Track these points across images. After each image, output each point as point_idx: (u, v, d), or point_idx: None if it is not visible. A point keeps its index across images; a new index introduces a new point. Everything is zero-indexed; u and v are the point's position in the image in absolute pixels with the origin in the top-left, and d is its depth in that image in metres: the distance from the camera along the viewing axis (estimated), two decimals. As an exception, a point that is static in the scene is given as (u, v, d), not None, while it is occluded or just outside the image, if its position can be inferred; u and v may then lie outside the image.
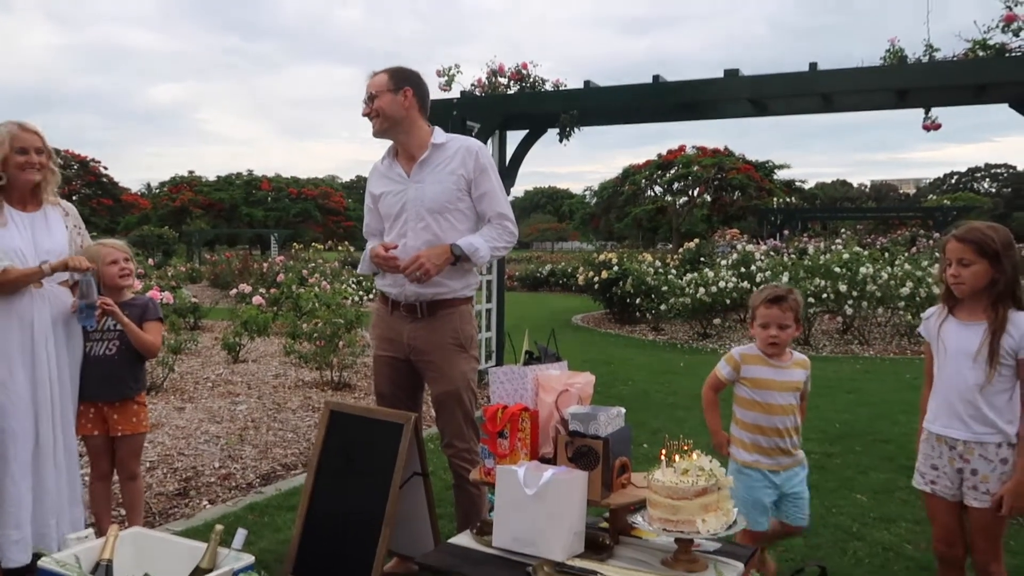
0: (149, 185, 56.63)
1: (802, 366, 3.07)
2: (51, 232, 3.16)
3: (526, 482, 2.39)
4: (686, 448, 2.39)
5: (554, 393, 2.65)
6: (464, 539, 2.57)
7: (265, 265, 17.58)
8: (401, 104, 3.06)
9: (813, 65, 5.99)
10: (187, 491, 4.33)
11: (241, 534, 2.58)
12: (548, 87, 7.06)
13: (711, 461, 2.36)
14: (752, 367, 3.01)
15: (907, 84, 5.96)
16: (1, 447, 2.97)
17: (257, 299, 10.43)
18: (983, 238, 2.52)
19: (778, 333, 2.96)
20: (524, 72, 7.09)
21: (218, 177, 51.00)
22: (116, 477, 3.44)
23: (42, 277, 3.03)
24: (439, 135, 3.15)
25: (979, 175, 67.17)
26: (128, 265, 3.36)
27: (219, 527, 2.57)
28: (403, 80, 3.08)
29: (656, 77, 6.55)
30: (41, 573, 2.38)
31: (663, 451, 2.40)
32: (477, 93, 7.16)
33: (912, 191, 70.26)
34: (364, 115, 3.12)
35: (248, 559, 2.40)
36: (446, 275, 3.07)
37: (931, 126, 6.26)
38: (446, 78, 6.96)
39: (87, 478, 3.48)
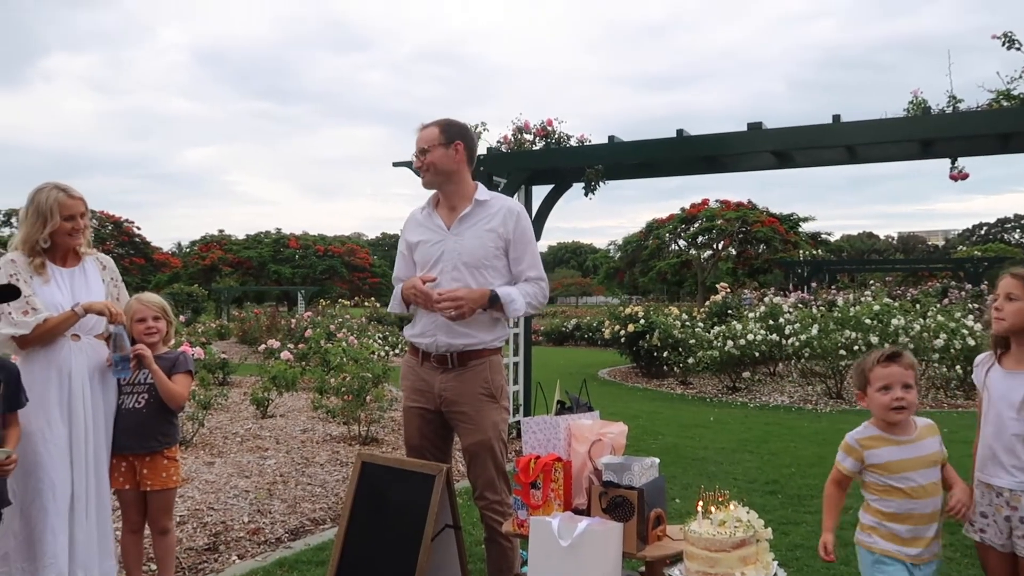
0: (180, 244, 57.80)
1: (931, 433, 2.59)
2: (89, 286, 3.25)
3: (560, 533, 2.36)
4: (723, 499, 2.36)
5: (587, 443, 2.64)
6: (497, 593, 2.54)
7: (293, 321, 17.75)
8: (452, 158, 3.15)
9: (836, 117, 6.03)
10: (216, 546, 4.31)
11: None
12: (573, 143, 7.17)
13: (748, 512, 2.32)
14: (877, 451, 2.54)
15: (931, 134, 5.97)
16: (41, 498, 3.00)
17: (285, 354, 10.51)
18: None
19: (903, 394, 2.50)
20: (549, 128, 7.22)
21: (247, 236, 52.01)
22: (148, 531, 3.44)
23: (76, 321, 3.10)
24: (483, 192, 3.23)
25: (1009, 226, 66.45)
26: (156, 324, 3.39)
27: (251, 580, 2.56)
28: (455, 134, 3.17)
29: (680, 131, 6.64)
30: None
31: (699, 502, 2.36)
32: (503, 149, 7.30)
33: (941, 242, 69.55)
34: (415, 168, 3.19)
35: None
36: (476, 327, 3.10)
37: (958, 176, 6.24)
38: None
39: (119, 532, 3.49)
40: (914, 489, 2.48)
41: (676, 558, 2.37)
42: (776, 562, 2.30)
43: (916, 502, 2.48)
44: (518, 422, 5.19)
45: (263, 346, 13.01)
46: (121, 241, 44.11)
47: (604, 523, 2.38)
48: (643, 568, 2.53)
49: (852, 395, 10.85)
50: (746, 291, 19.60)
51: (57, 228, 3.11)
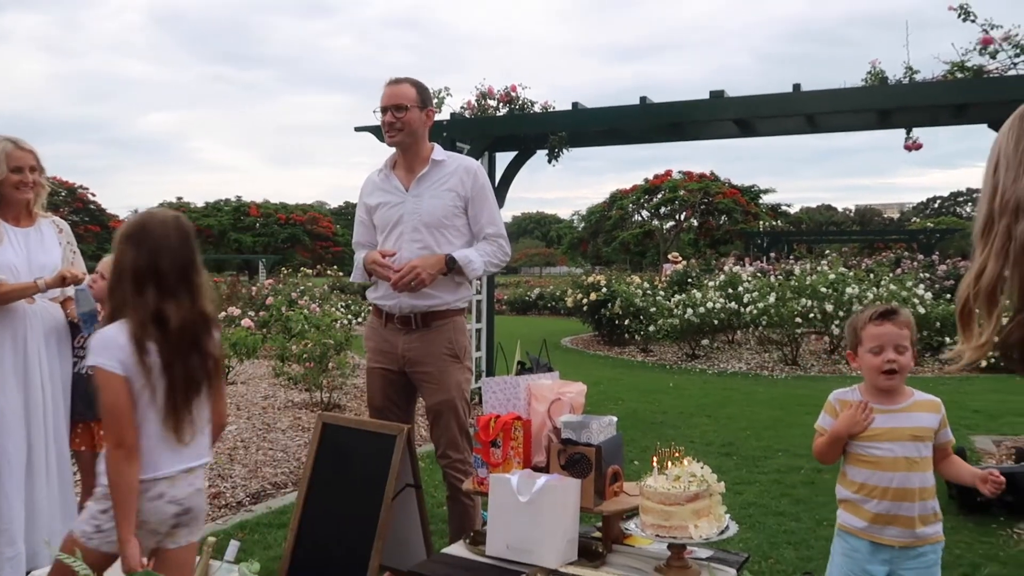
0: (137, 211, 56.41)
1: (928, 408, 2.37)
2: (45, 248, 3.18)
3: (519, 490, 2.40)
4: (677, 455, 2.42)
5: (546, 402, 2.68)
6: (457, 548, 2.58)
7: (254, 289, 17.52)
8: (423, 122, 3.17)
9: (797, 86, 6.10)
10: (176, 510, 4.30)
11: (233, 546, 2.58)
12: (537, 109, 7.15)
13: (702, 467, 2.38)
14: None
15: (889, 104, 6.09)
16: None
17: (246, 322, 10.39)
18: None
19: (896, 357, 2.31)
20: (513, 95, 7.19)
21: (206, 204, 51.04)
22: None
23: (35, 292, 3.03)
24: (439, 152, 3.22)
25: (961, 199, 68.04)
26: (100, 282, 3.25)
27: (211, 539, 2.56)
28: (427, 99, 3.20)
29: (643, 99, 6.65)
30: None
31: (655, 458, 2.42)
32: (466, 115, 7.24)
33: (896, 215, 71.01)
34: (388, 122, 3.13)
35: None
36: (439, 288, 3.10)
37: (912, 146, 6.38)
38: (436, 100, 7.03)
39: (77, 496, 3.45)
40: (881, 459, 2.32)
41: (632, 512, 2.43)
42: (728, 515, 2.37)
43: (882, 473, 2.32)
44: (480, 388, 5.23)
45: (223, 314, 12.82)
46: (75, 208, 42.93)
47: (562, 479, 2.43)
48: (600, 523, 2.60)
49: (807, 362, 11.12)
50: (669, 257, 20.43)
51: (4, 180, 3.03)
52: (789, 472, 5.15)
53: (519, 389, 2.70)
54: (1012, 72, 5.55)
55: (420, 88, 3.18)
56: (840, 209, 71.37)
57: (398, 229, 3.13)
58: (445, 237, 3.11)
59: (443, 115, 7.14)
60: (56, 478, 3.13)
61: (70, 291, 3.21)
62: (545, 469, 2.56)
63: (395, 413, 3.20)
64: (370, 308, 3.32)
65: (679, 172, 35.68)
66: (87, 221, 43.09)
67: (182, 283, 2.09)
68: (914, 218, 57.57)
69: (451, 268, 3.07)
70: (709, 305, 11.48)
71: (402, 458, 2.92)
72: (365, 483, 2.94)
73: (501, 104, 7.22)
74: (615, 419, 2.66)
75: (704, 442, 6.11)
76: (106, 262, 3.34)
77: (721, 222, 35.97)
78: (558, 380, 2.82)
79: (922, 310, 10.32)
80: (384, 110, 3.13)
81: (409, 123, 3.12)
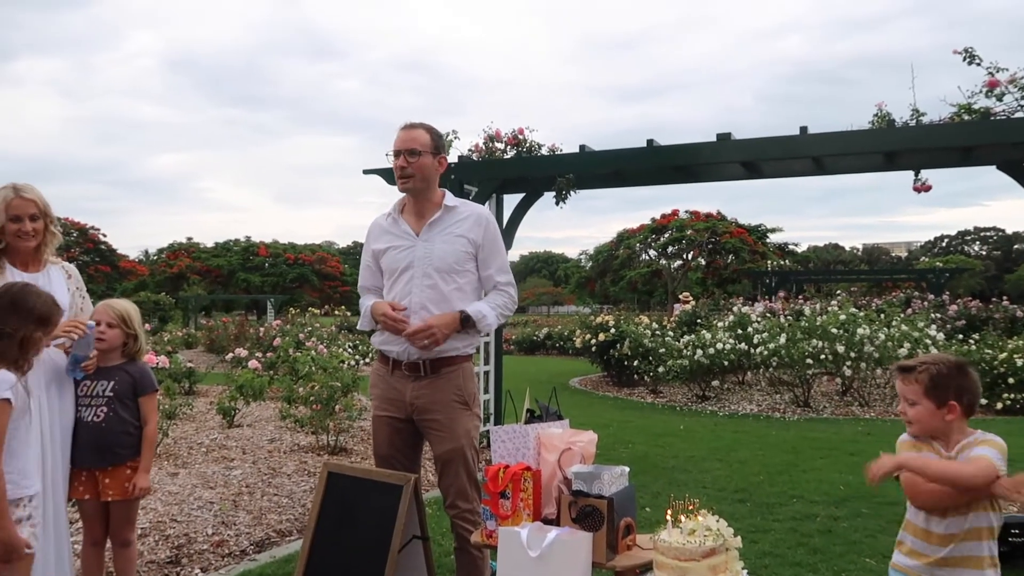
0: (147, 252, 56.92)
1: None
2: (53, 294, 3.16)
3: (529, 544, 2.34)
4: (692, 508, 2.35)
5: (557, 452, 2.62)
6: (466, 605, 2.51)
7: (262, 330, 17.53)
8: (436, 169, 3.18)
9: (804, 128, 6.11)
10: (179, 559, 4.22)
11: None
12: (544, 151, 7.18)
13: (718, 521, 2.32)
14: (904, 454, 2.45)
15: (895, 147, 6.08)
16: None
17: (253, 363, 10.37)
18: None
19: (906, 410, 2.43)
20: (520, 137, 7.22)
21: (216, 243, 51.47)
22: (109, 544, 3.35)
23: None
24: (450, 198, 3.22)
25: (969, 238, 68.00)
26: (107, 331, 3.24)
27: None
28: (441, 147, 3.20)
29: (650, 141, 6.67)
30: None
31: (669, 511, 2.36)
32: (474, 158, 7.29)
33: (904, 254, 70.98)
34: (400, 167, 3.12)
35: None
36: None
37: (922, 188, 6.36)
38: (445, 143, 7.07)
39: (79, 545, 3.39)
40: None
41: (646, 567, 2.36)
42: (745, 571, 2.30)
43: (929, 517, 2.38)
44: (488, 432, 5.19)
45: (230, 355, 12.81)
46: (86, 248, 43.30)
47: (573, 533, 2.36)
48: (613, 578, 2.52)
49: (819, 404, 10.98)
50: (680, 297, 20.66)
51: (3, 228, 3.03)
52: (805, 520, 5.03)
53: (529, 438, 2.65)
54: (1019, 114, 5.55)
55: (435, 134, 3.18)
56: (847, 248, 71.42)
57: (408, 273, 3.11)
58: (456, 282, 3.10)
59: (451, 158, 7.18)
60: (52, 529, 3.07)
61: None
62: (556, 522, 2.49)
63: (401, 462, 3.15)
64: (376, 354, 3.29)
65: (686, 211, 35.87)
66: (98, 261, 43.43)
67: None
68: (922, 257, 57.41)
69: (465, 324, 3.07)
70: (719, 346, 11.40)
71: (408, 509, 2.86)
72: (371, 534, 2.88)
73: (509, 147, 7.26)
74: (627, 469, 2.60)
75: (716, 488, 5.99)
76: (101, 308, 3.31)
77: (728, 261, 36.00)
78: (568, 429, 2.77)
79: (935, 351, 10.20)
80: (397, 154, 3.12)
81: (421, 168, 3.11)
